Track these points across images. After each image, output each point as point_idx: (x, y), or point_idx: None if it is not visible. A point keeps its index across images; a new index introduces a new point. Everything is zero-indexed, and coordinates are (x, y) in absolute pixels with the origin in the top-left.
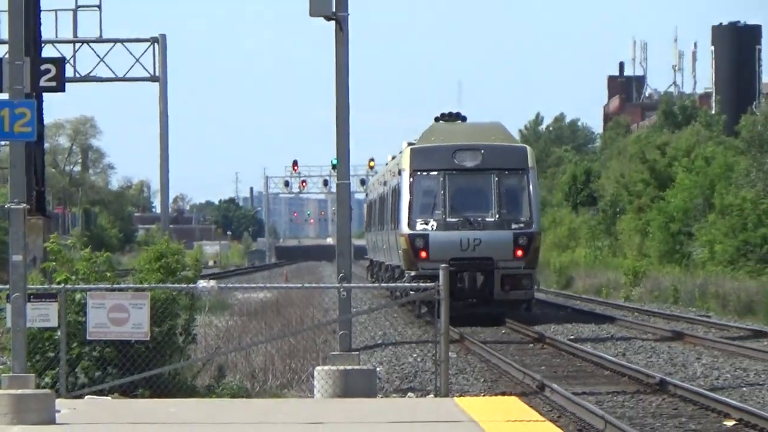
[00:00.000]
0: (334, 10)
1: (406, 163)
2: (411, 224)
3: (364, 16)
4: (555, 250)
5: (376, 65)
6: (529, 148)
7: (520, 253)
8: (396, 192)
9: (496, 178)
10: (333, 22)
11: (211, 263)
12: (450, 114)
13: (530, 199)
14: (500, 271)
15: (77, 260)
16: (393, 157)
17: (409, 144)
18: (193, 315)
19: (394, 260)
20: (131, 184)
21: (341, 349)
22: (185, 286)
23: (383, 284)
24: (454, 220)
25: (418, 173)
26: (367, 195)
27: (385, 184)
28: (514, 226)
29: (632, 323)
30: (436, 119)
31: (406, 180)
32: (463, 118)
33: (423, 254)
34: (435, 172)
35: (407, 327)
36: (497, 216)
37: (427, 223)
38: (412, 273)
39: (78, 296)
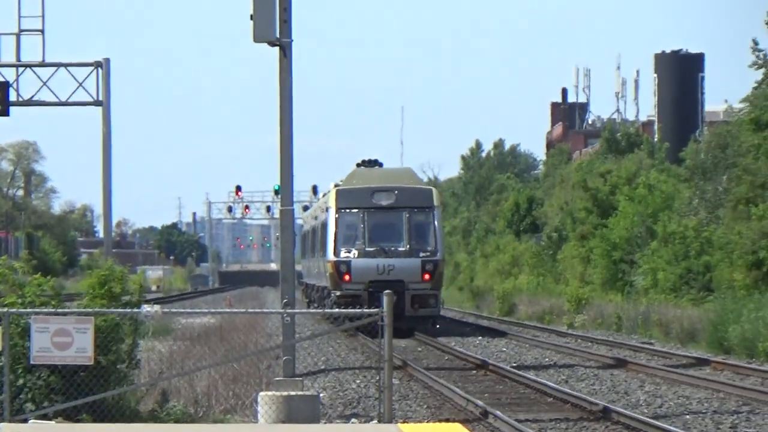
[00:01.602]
0: (277, 35)
1: (332, 202)
2: (336, 252)
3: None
4: (498, 276)
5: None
6: (434, 190)
7: (427, 276)
8: (324, 225)
9: (407, 215)
10: (277, 48)
11: (154, 288)
12: (369, 161)
13: (435, 232)
14: (410, 292)
15: (26, 284)
16: (324, 195)
17: (336, 185)
18: (137, 340)
19: (323, 282)
20: (74, 208)
21: (285, 375)
22: (129, 310)
23: (326, 310)
24: (372, 249)
25: (342, 210)
26: (302, 226)
27: (316, 218)
28: (421, 254)
29: (575, 350)
30: (358, 165)
31: (332, 216)
32: (380, 164)
33: (346, 277)
34: (356, 209)
35: (350, 353)
36: (408, 246)
37: (349, 252)
38: (338, 293)
39: (23, 321)
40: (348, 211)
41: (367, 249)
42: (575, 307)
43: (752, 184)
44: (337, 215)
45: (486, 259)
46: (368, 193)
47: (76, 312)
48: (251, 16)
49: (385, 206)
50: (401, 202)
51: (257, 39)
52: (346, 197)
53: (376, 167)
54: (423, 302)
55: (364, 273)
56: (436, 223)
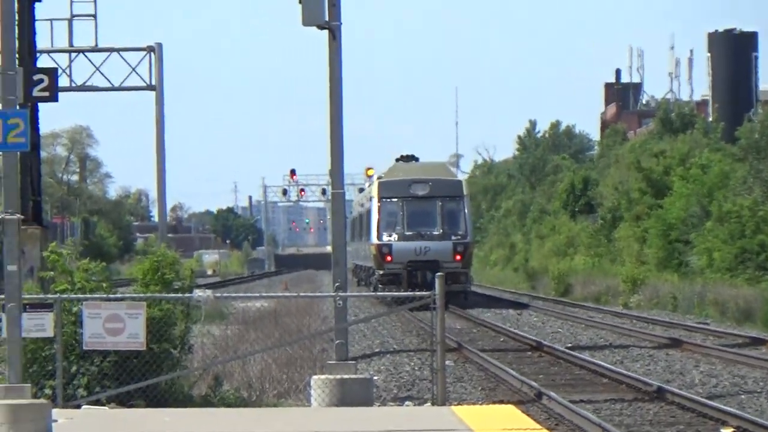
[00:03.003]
0: (327, 19)
1: (375, 192)
2: (379, 236)
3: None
4: (553, 257)
5: (371, 73)
6: (463, 181)
7: (458, 257)
8: (369, 212)
9: (440, 203)
10: (326, 31)
11: (210, 272)
12: (407, 156)
13: (465, 218)
14: (444, 270)
15: (75, 270)
16: (369, 185)
17: (378, 178)
18: (189, 325)
19: (369, 263)
20: (129, 193)
21: (338, 358)
22: (181, 296)
23: (379, 293)
24: (410, 233)
25: (384, 199)
26: (351, 213)
27: (362, 206)
28: (453, 237)
29: (630, 330)
30: (397, 159)
31: (375, 204)
32: (416, 159)
33: (388, 258)
34: (396, 199)
35: (405, 335)
36: (441, 231)
37: (390, 236)
38: (381, 272)
39: (75, 308)
40: (389, 200)
41: (406, 233)
42: (631, 287)
43: None
44: (379, 204)
45: (541, 240)
46: (406, 185)
47: (127, 297)
48: (300, 0)
49: (421, 196)
50: (435, 192)
51: (306, 23)
52: (387, 188)
53: (413, 162)
54: (455, 279)
55: (403, 254)
56: (465, 210)
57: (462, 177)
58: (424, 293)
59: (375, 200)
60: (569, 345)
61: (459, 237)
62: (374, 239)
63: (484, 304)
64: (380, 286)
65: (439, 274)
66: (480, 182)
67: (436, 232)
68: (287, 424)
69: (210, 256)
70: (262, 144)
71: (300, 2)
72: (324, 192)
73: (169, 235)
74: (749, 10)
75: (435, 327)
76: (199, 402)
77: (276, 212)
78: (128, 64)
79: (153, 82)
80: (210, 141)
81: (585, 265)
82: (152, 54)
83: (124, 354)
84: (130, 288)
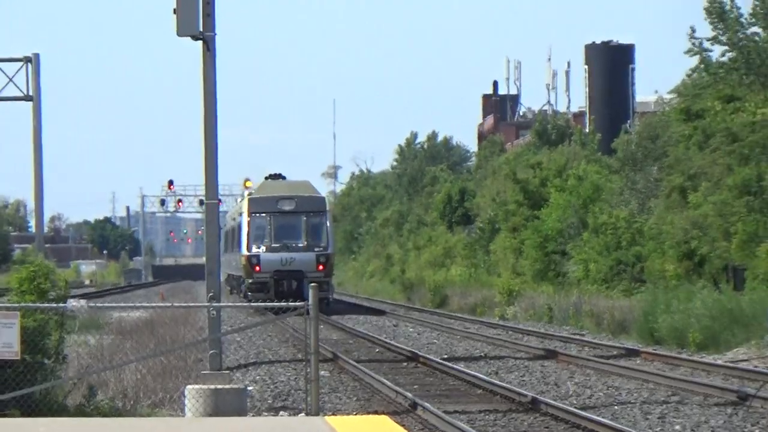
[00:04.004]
0: (201, 29)
1: (245, 208)
2: (249, 248)
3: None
4: (430, 268)
5: (250, 83)
6: (326, 198)
7: (321, 267)
8: (239, 226)
9: (305, 218)
10: (200, 42)
11: (87, 282)
12: (275, 174)
13: (327, 231)
14: (308, 279)
15: None
16: (240, 200)
17: (249, 194)
18: (63, 335)
19: (239, 273)
20: (7, 203)
21: (212, 368)
22: (54, 305)
23: (253, 303)
24: (276, 245)
25: (254, 214)
26: (224, 226)
27: (234, 219)
28: (316, 249)
29: (506, 342)
30: (266, 178)
31: (245, 219)
32: (284, 177)
33: (257, 268)
34: (264, 214)
35: (280, 345)
36: (305, 243)
37: (259, 247)
38: (250, 281)
39: None
40: (258, 215)
41: (273, 245)
42: (507, 298)
43: (685, 173)
44: (249, 218)
45: (418, 251)
46: (274, 201)
47: (1, 306)
48: (174, 9)
49: (287, 211)
50: (300, 208)
51: (181, 33)
52: (256, 204)
53: (281, 179)
54: (318, 287)
55: (270, 264)
56: (327, 224)
57: (338, 187)
58: (298, 303)
59: (245, 215)
60: (445, 356)
61: (321, 249)
62: (244, 250)
63: (361, 312)
64: (249, 293)
65: (312, 284)
66: (357, 193)
67: (300, 244)
68: None
69: (87, 267)
70: (140, 154)
71: (174, 12)
72: (201, 203)
73: (47, 245)
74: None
75: (309, 336)
76: (74, 412)
77: (154, 223)
78: (5, 74)
79: (30, 92)
80: (88, 151)
81: (461, 277)
82: (29, 64)
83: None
84: (5, 297)
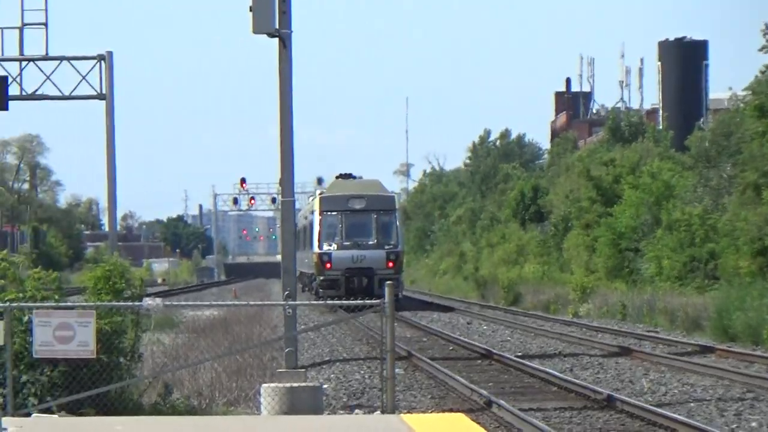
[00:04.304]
0: (277, 27)
1: (317, 206)
2: (320, 246)
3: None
4: (503, 266)
5: (323, 81)
6: (395, 196)
7: (390, 264)
8: (311, 224)
9: (375, 216)
10: (276, 39)
11: (160, 281)
12: (346, 174)
13: (397, 229)
14: (378, 276)
15: (26, 278)
16: (312, 199)
17: (320, 193)
18: (139, 333)
19: (311, 270)
20: (80, 201)
21: (287, 366)
22: (130, 304)
23: (329, 302)
24: (347, 243)
25: (325, 212)
26: (297, 223)
27: (306, 218)
28: (386, 246)
29: (580, 339)
30: (337, 177)
31: (317, 217)
32: (354, 177)
33: (328, 265)
34: (335, 212)
35: (355, 343)
36: (375, 241)
37: (330, 245)
38: (321, 278)
39: (26, 317)
40: (329, 213)
41: (344, 243)
42: (580, 295)
43: (760, 169)
44: (320, 217)
45: (491, 249)
46: (345, 200)
47: (78, 306)
48: (250, 7)
49: (357, 209)
50: (370, 207)
51: (256, 30)
52: (327, 202)
53: (351, 179)
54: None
55: (341, 262)
56: (397, 222)
57: (411, 185)
58: (374, 301)
59: (317, 213)
60: (519, 353)
61: (391, 246)
62: (316, 248)
63: (434, 309)
64: (321, 290)
65: (388, 282)
66: (429, 191)
67: (371, 242)
68: (237, 431)
69: (160, 265)
70: (212, 152)
71: (251, 10)
72: (274, 201)
73: (120, 243)
74: (700, 18)
75: (385, 335)
76: (149, 410)
77: (226, 221)
78: (79, 72)
79: (104, 91)
80: (160, 149)
81: (534, 274)
82: (103, 62)
83: (74, 363)
84: (80, 296)
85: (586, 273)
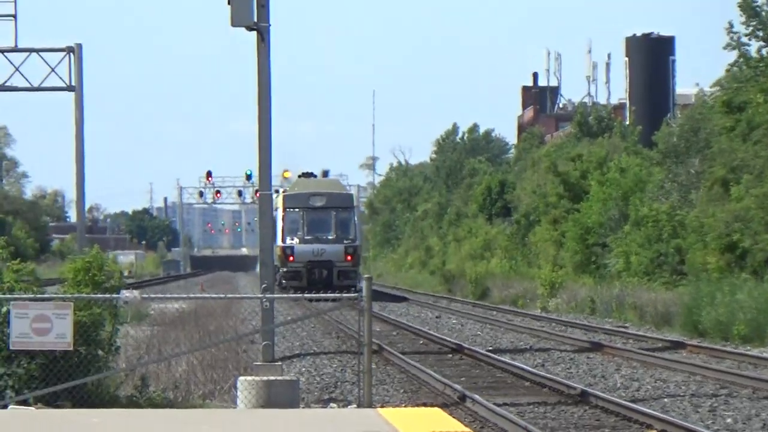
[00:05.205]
0: (255, 20)
1: (280, 203)
2: (283, 240)
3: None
4: (470, 260)
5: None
6: (353, 194)
7: (349, 258)
8: (275, 220)
9: (334, 213)
10: (254, 33)
11: (126, 273)
12: (307, 173)
13: (355, 225)
14: (337, 268)
15: (4, 271)
16: (276, 196)
17: (284, 191)
18: (116, 326)
19: (275, 262)
20: (45, 193)
21: (264, 360)
22: (108, 296)
23: (305, 295)
24: (309, 237)
25: (288, 209)
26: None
27: None
28: (344, 241)
29: (550, 334)
30: (299, 176)
31: (280, 214)
32: (315, 176)
33: (291, 258)
34: (297, 209)
35: (324, 337)
36: (334, 236)
37: (293, 239)
38: (284, 269)
39: (4, 308)
40: (292, 210)
41: (306, 237)
42: (549, 290)
43: (728, 165)
44: (283, 213)
45: (458, 243)
46: (306, 197)
47: (56, 298)
48: (228, 0)
49: (318, 206)
50: (330, 204)
51: (235, 23)
52: (290, 200)
53: (312, 178)
54: (346, 276)
55: (303, 255)
56: (355, 218)
57: (377, 179)
58: (351, 295)
59: (280, 210)
60: (490, 348)
61: (349, 241)
62: (279, 242)
63: (401, 302)
64: (284, 281)
65: (367, 276)
66: (395, 185)
67: (330, 237)
68: (216, 425)
69: (126, 257)
70: (178, 146)
71: (229, 3)
72: (240, 194)
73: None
74: (667, 13)
75: (362, 329)
76: (126, 403)
77: (191, 214)
78: (48, 64)
79: (72, 83)
80: (126, 142)
81: (502, 269)
82: (72, 54)
83: (52, 356)
84: (53, 288)
85: (554, 268)
